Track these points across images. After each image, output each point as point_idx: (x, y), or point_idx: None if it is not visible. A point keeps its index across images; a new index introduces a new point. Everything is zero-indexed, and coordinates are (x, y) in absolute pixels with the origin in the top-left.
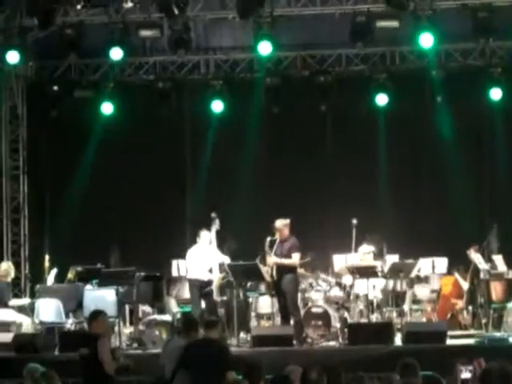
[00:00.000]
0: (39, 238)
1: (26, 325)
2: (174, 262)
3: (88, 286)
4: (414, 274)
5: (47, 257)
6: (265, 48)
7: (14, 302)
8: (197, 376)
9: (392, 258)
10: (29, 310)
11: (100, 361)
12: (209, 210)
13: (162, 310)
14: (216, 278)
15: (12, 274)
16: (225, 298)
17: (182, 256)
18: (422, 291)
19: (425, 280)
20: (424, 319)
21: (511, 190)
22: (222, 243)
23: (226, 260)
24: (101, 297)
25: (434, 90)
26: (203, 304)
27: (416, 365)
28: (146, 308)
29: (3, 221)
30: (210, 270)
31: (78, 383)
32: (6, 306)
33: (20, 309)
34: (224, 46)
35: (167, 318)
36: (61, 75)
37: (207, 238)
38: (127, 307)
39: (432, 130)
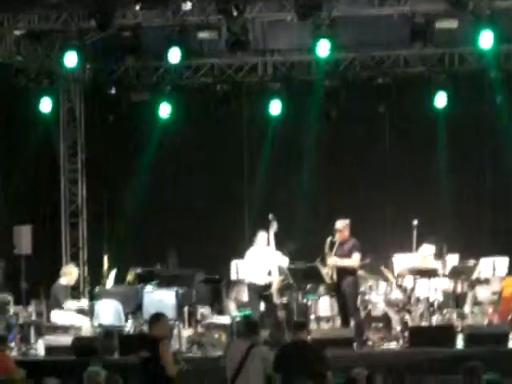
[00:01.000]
0: (98, 241)
1: (86, 328)
2: (233, 264)
3: (147, 288)
4: (475, 275)
5: (106, 259)
6: (323, 49)
7: (72, 304)
8: (291, 379)
9: (453, 258)
10: (88, 313)
11: (162, 364)
12: (266, 212)
13: (221, 313)
14: (275, 280)
15: (75, 277)
16: (284, 300)
17: (241, 258)
18: (483, 293)
19: (486, 281)
20: (485, 321)
21: None
22: (281, 245)
23: (285, 261)
24: (160, 299)
25: (493, 91)
26: (262, 307)
27: (480, 368)
28: (205, 310)
29: (62, 224)
30: (269, 273)
31: None
32: (60, 307)
33: (79, 311)
34: (282, 48)
35: (226, 320)
36: (118, 78)
37: (264, 239)
38: (186, 309)
39: (492, 131)
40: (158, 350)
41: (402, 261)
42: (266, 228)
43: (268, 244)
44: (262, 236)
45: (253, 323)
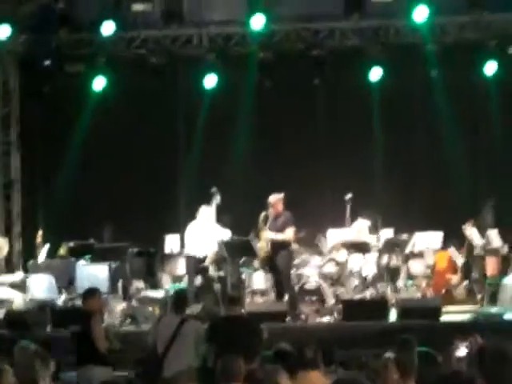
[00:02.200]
0: (32, 213)
1: (18, 301)
2: (168, 238)
3: (81, 262)
4: (408, 249)
5: (40, 232)
6: (258, 22)
7: (5, 277)
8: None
9: (387, 233)
10: (21, 287)
11: (93, 338)
12: (202, 185)
13: (155, 286)
14: (210, 253)
15: (5, 250)
16: (221, 273)
17: (176, 231)
18: (417, 266)
19: (419, 255)
20: (419, 295)
21: (506, 163)
22: (218, 219)
23: (227, 234)
24: (93, 273)
25: (428, 64)
26: (199, 280)
27: (413, 341)
28: (139, 284)
29: None
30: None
31: (71, 361)
32: None
33: (12, 285)
34: (217, 20)
35: (160, 294)
36: (52, 50)
37: (207, 214)
38: (120, 283)
39: (426, 105)
40: (90, 325)
41: (336, 235)
42: (204, 201)
43: (209, 218)
44: (204, 211)
45: (183, 297)
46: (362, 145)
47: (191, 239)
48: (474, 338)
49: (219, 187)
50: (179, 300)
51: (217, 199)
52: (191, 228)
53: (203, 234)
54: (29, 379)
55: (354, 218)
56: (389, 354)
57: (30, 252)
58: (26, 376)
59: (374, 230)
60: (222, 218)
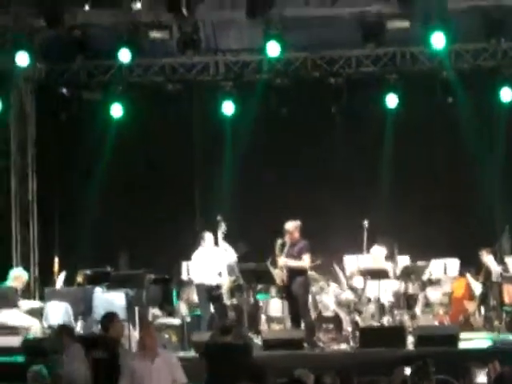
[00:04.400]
0: (49, 241)
1: (35, 328)
2: (184, 265)
3: (97, 290)
4: (426, 276)
5: (56, 260)
6: (273, 49)
7: (23, 304)
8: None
9: (403, 260)
10: (38, 314)
11: (119, 365)
12: (218, 213)
13: (171, 314)
14: (226, 281)
15: (24, 280)
16: (235, 301)
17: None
18: (434, 294)
19: (437, 282)
20: (436, 322)
21: None
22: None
23: (233, 258)
24: (110, 300)
25: (445, 91)
26: (212, 308)
27: (428, 368)
28: (156, 311)
29: (12, 222)
30: (220, 274)
31: None
32: (14, 306)
33: (30, 312)
34: (234, 48)
35: (177, 321)
36: (69, 77)
37: (211, 239)
38: (137, 311)
39: (442, 131)
40: (115, 351)
41: (352, 262)
42: (214, 229)
43: (216, 244)
44: (208, 236)
45: None
46: (378, 172)
47: (198, 266)
48: (492, 364)
49: (235, 215)
50: None
51: (222, 227)
52: (197, 255)
53: (210, 260)
54: None
55: (370, 245)
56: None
57: (46, 279)
58: None
59: (390, 257)
60: (238, 246)
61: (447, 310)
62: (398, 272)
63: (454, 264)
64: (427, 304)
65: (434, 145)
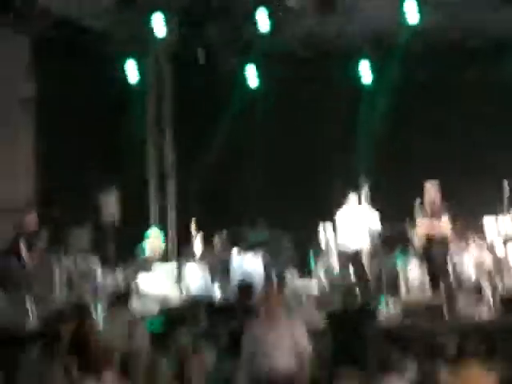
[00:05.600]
0: (185, 203)
1: (173, 296)
2: (321, 227)
3: (234, 252)
4: None
5: (193, 221)
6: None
7: (161, 266)
8: None
9: None
10: (176, 277)
11: None
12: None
13: (307, 275)
14: (367, 243)
15: (160, 243)
16: (374, 262)
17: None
18: None
19: None
20: None
21: None
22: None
23: (377, 219)
24: (248, 263)
25: None
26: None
27: None
28: (293, 273)
29: (151, 184)
30: (361, 235)
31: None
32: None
33: (167, 276)
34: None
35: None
36: (205, 44)
37: (355, 199)
38: (273, 273)
39: None
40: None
41: (492, 223)
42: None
43: (359, 203)
44: (352, 197)
45: None
46: None
47: (341, 227)
48: None
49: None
50: None
51: (364, 187)
52: (341, 216)
53: (353, 221)
54: None
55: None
56: None
57: (183, 241)
58: None
59: None
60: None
61: None
62: None
63: None
64: None
65: None
